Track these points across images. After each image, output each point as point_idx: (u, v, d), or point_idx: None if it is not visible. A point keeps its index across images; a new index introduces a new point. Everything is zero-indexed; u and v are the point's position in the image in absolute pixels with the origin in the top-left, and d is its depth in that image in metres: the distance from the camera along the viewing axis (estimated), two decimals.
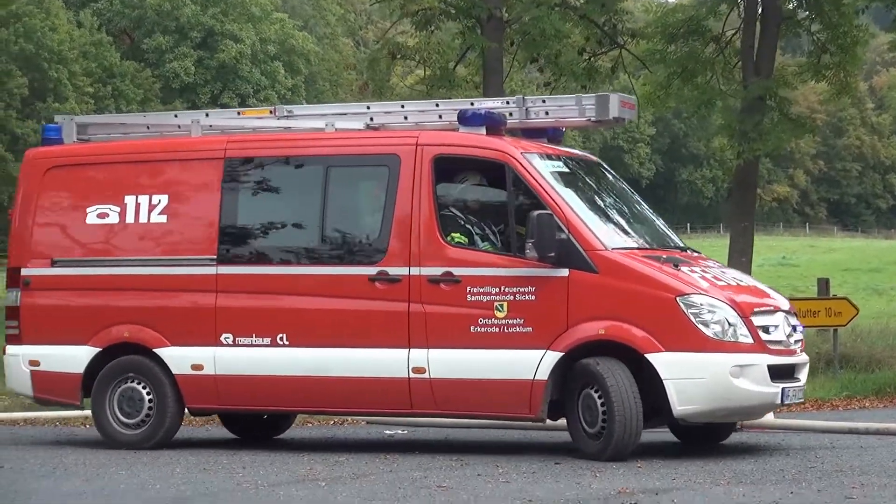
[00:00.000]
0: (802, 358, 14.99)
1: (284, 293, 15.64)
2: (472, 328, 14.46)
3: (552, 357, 14.02)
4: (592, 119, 15.55)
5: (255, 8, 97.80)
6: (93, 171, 16.85)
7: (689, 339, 13.69)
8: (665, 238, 16.01)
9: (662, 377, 13.66)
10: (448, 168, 15.07)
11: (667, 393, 13.73)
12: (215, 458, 15.89)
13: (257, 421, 17.55)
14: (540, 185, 14.55)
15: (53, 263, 16.64)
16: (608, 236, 14.63)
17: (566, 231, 14.12)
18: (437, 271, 14.65)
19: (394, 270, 14.80)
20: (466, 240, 14.85)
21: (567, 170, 15.59)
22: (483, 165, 15.04)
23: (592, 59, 32.62)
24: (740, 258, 29.23)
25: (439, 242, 14.71)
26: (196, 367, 15.81)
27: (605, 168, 17.04)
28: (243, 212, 16.21)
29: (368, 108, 17.01)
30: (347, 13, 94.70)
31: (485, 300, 14.43)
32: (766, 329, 14.12)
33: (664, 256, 14.49)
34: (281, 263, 15.82)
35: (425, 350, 14.66)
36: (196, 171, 16.28)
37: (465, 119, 15.16)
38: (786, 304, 15.04)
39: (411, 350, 14.71)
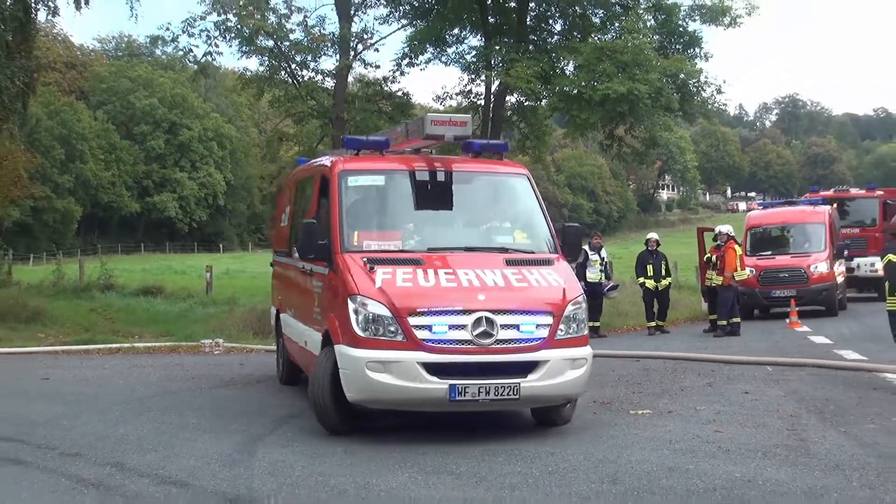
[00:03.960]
0: (507, 357, 9.57)
1: (289, 280, 13.45)
2: (313, 314, 11.38)
3: (319, 338, 10.70)
4: (421, 136, 11.39)
5: (199, 109, 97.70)
6: (289, 189, 14.48)
7: (350, 333, 9.63)
8: (471, 241, 10.96)
9: (338, 366, 9.80)
10: (326, 185, 11.35)
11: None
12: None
13: None
14: (335, 197, 10.85)
15: (274, 252, 15.35)
16: (355, 241, 10.54)
17: (328, 236, 10.55)
18: (308, 267, 11.51)
19: (305, 264, 11.59)
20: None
21: (380, 183, 11.29)
22: (329, 182, 11.16)
23: None
24: None
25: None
26: (285, 328, 13.74)
27: (486, 179, 11.77)
28: (293, 217, 13.58)
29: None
30: (254, 113, 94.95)
31: (316, 290, 11.24)
32: (432, 328, 9.44)
33: (365, 259, 10.10)
34: (294, 257, 12.27)
35: (309, 327, 11.59)
36: (295, 190, 13.78)
37: (344, 144, 11.93)
38: (506, 307, 9.70)
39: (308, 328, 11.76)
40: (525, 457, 8.84)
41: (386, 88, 29.74)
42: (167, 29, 26.87)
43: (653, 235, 23.59)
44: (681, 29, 27.55)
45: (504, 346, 9.57)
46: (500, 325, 9.56)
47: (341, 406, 9.89)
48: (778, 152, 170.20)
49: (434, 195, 11.11)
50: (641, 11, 27.31)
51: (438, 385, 9.36)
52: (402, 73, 29.17)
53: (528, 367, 9.66)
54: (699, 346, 18.85)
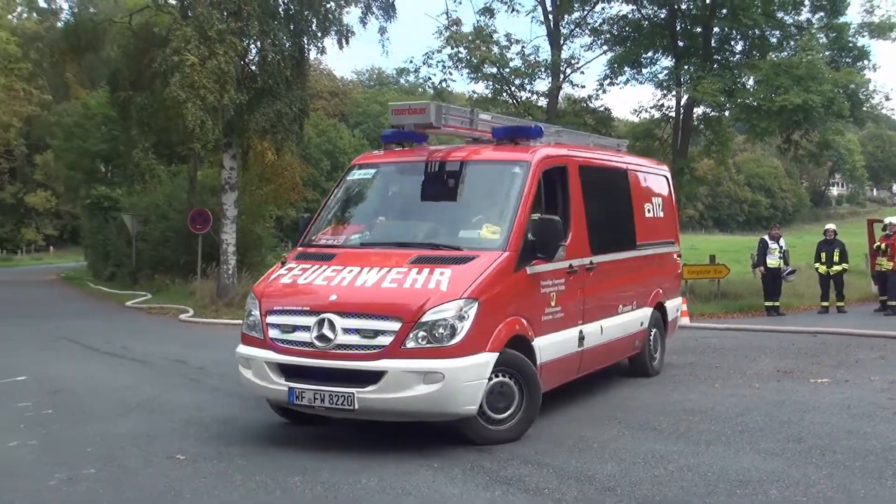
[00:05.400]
0: (341, 364, 7.31)
1: None
2: None
3: None
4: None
5: None
6: None
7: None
8: (428, 237, 8.25)
9: None
10: None
11: None
12: None
13: None
14: (331, 191, 9.32)
15: None
16: (314, 235, 8.78)
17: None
18: None
19: None
20: None
21: (368, 177, 9.24)
22: None
23: None
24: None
25: None
26: None
27: (471, 168, 8.63)
28: None
29: None
30: None
31: None
32: (282, 328, 7.61)
33: (285, 254, 8.77)
34: None
35: None
36: None
37: (383, 138, 9.55)
38: (361, 307, 7.39)
39: None
40: (717, 417, 8.59)
41: (590, 105, 29.53)
42: (410, 62, 27.96)
43: (830, 226, 22.46)
44: (850, 44, 26.33)
45: (342, 351, 7.34)
46: (342, 329, 7.35)
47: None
48: None
49: (413, 187, 8.72)
50: (814, 31, 26.26)
51: (280, 386, 7.56)
52: (604, 91, 29.17)
53: (364, 377, 7.24)
54: (871, 324, 17.78)
